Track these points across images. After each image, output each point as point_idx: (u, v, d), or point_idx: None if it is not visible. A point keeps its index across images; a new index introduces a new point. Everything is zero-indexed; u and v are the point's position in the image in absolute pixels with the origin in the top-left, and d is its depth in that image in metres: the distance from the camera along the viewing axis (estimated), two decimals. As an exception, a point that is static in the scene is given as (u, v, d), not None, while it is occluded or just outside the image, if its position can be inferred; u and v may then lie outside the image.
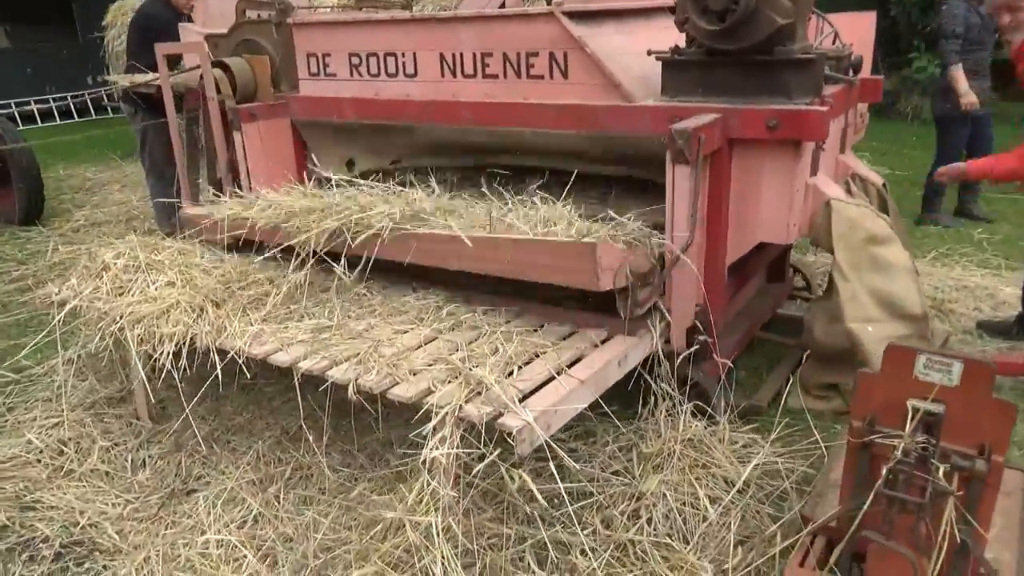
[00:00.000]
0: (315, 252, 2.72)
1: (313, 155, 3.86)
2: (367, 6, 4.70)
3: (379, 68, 3.47)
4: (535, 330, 2.56)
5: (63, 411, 3.14)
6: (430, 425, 1.99)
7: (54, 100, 12.98)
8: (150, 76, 4.52)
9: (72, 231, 6.16)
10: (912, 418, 1.65)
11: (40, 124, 12.53)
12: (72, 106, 13.09)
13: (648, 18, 3.33)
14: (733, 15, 2.44)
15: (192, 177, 4.16)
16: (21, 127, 11.74)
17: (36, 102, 12.77)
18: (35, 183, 6.31)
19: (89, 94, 13.16)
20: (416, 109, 3.38)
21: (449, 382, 2.17)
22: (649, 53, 2.82)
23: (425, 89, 3.35)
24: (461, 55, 3.21)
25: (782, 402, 2.79)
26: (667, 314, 2.65)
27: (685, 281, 2.62)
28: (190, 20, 5.06)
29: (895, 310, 2.77)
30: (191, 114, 4.23)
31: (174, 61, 4.41)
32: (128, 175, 8.07)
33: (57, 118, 12.88)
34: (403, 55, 3.38)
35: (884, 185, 3.23)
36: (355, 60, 3.54)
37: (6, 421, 3.21)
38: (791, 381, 3.11)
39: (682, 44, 2.76)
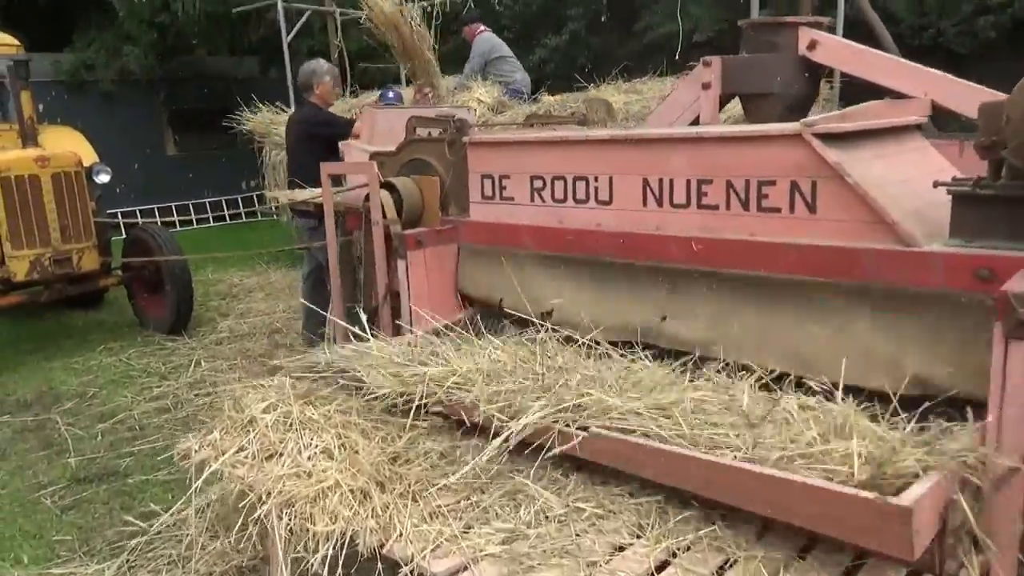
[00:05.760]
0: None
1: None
2: (538, 122, 4.35)
3: (565, 193, 3.02)
4: (802, 557, 1.87)
5: (190, 584, 2.69)
6: None
7: (210, 204, 13.65)
8: (309, 193, 4.30)
9: (215, 343, 6.01)
10: None
11: (195, 226, 13.15)
12: (226, 211, 13.71)
13: (899, 139, 2.73)
14: (1096, 142, 1.79)
15: (347, 304, 3.81)
16: (178, 228, 12.40)
17: (194, 206, 13.46)
18: (186, 291, 6.29)
19: (242, 198, 13.80)
20: (608, 241, 2.87)
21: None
22: (936, 185, 2.19)
23: (621, 219, 2.84)
24: (671, 181, 2.70)
25: None
26: (988, 543, 1.91)
27: (1016, 499, 1.89)
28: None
29: None
30: (350, 236, 3.93)
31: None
32: (272, 282, 8.06)
33: (211, 220, 13.49)
34: (596, 179, 2.91)
35: None
36: (537, 183, 3.10)
37: (127, 588, 2.80)
38: None
39: (961, 172, 2.14)
